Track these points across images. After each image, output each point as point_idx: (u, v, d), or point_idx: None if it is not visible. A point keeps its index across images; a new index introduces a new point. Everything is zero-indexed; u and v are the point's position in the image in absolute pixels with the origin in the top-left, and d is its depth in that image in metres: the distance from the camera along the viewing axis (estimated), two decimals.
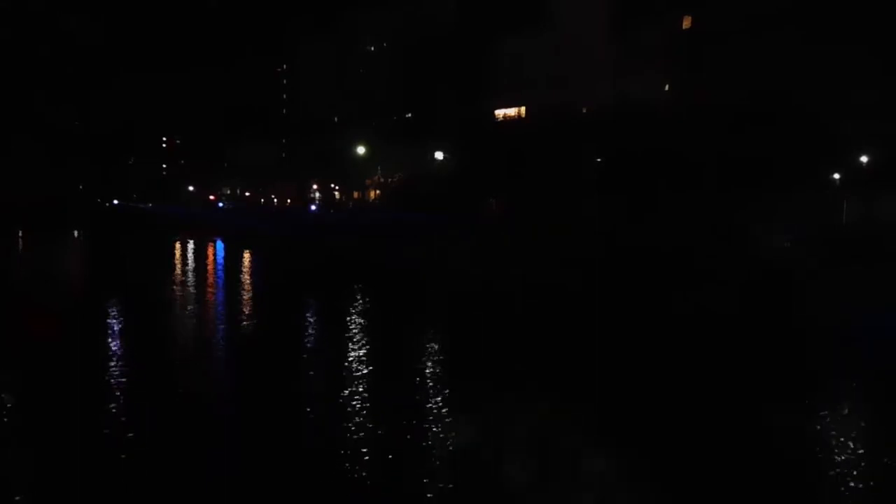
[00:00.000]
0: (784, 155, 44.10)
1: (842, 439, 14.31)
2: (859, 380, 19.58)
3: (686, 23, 62.35)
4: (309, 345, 23.22)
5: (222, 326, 26.32)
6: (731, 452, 13.54)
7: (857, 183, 48.54)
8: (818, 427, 15.11)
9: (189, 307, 29.96)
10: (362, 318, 27.52)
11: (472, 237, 44.76)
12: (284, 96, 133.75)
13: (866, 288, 24.38)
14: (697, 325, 25.15)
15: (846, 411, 16.64)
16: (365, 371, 18.95)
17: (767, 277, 27.39)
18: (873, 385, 18.82)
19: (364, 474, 12.27)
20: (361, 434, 14.03)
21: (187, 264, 50.17)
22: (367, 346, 22.28)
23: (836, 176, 51.59)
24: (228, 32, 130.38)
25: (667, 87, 61.95)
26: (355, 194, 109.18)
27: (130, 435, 13.85)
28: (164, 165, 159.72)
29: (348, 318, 26.82)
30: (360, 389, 17.09)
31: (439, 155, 70.05)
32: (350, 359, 20.25)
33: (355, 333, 24.19)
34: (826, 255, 29.45)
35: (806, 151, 44.32)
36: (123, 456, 12.80)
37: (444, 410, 15.65)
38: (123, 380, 17.63)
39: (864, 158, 49.25)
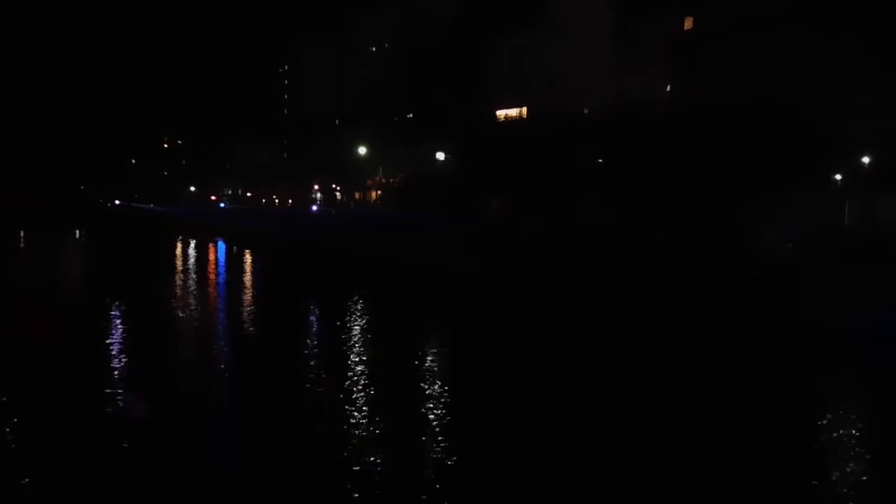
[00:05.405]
0: (785, 155, 44.07)
1: (841, 439, 14.32)
2: (859, 380, 19.59)
3: (687, 23, 62.33)
4: (308, 346, 23.21)
5: (223, 330, 26.32)
6: (730, 452, 13.54)
7: (858, 183, 48.51)
8: (817, 428, 15.11)
9: (190, 310, 29.95)
10: (362, 320, 27.52)
11: (472, 237, 44.78)
12: (285, 96, 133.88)
13: (867, 288, 24.36)
14: (698, 324, 25.16)
15: (845, 411, 16.63)
16: (363, 372, 18.97)
17: (769, 278, 27.39)
18: (873, 385, 18.83)
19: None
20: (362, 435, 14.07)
21: (188, 266, 50.17)
22: (366, 348, 22.30)
23: (838, 177, 51.56)
24: (229, 32, 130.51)
25: (668, 88, 61.91)
26: (356, 195, 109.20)
27: (130, 436, 13.87)
28: (166, 166, 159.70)
29: (348, 321, 26.83)
30: (361, 392, 17.13)
31: (440, 155, 70.02)
32: (348, 364, 20.26)
33: (355, 336, 24.21)
34: (828, 255, 29.44)
35: (807, 152, 44.27)
36: (124, 458, 12.81)
37: (440, 401, 15.69)
38: (123, 380, 17.65)
39: (865, 159, 49.22)
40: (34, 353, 20.65)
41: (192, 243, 69.26)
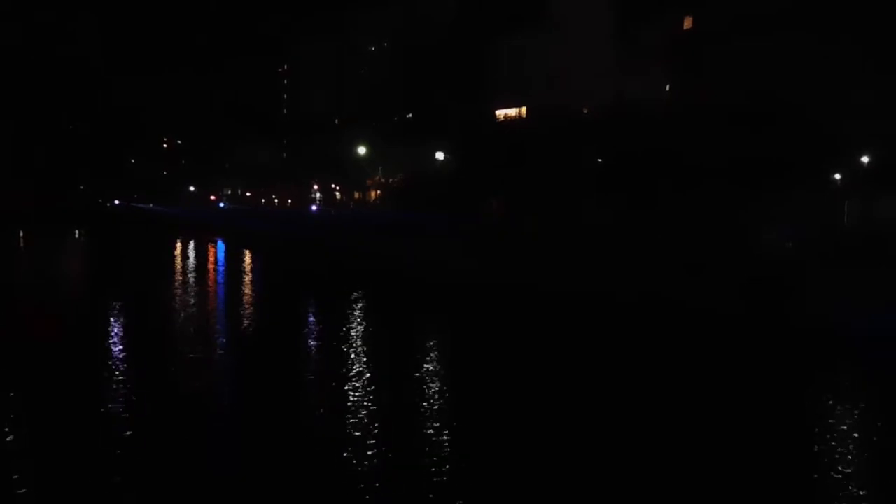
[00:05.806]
0: (785, 155, 44.07)
1: (841, 439, 14.32)
2: (859, 380, 19.59)
3: (687, 23, 62.32)
4: (308, 346, 23.23)
5: (223, 330, 26.31)
6: (730, 451, 13.54)
7: (857, 183, 48.50)
8: (817, 427, 15.11)
9: (190, 310, 29.94)
10: (362, 320, 27.52)
11: (472, 237, 44.79)
12: (285, 96, 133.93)
13: (867, 288, 24.37)
14: (698, 324, 25.16)
15: (845, 411, 16.62)
16: (363, 372, 18.97)
17: (769, 277, 27.40)
18: (873, 385, 18.83)
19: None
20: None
21: (188, 266, 50.15)
22: (366, 347, 22.30)
23: (838, 176, 51.55)
24: (229, 32, 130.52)
25: (668, 88, 61.91)
26: (356, 195, 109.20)
27: (130, 435, 13.87)
28: (166, 166, 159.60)
29: (348, 321, 26.82)
30: (361, 392, 17.13)
31: (440, 155, 70.02)
32: (348, 364, 20.26)
33: (354, 336, 24.20)
34: (827, 255, 29.44)
35: (807, 152, 44.26)
36: (124, 458, 12.81)
37: (441, 401, 15.69)
38: (122, 380, 17.64)
39: (864, 159, 49.20)
40: (34, 353, 20.65)
41: (192, 243, 69.24)
